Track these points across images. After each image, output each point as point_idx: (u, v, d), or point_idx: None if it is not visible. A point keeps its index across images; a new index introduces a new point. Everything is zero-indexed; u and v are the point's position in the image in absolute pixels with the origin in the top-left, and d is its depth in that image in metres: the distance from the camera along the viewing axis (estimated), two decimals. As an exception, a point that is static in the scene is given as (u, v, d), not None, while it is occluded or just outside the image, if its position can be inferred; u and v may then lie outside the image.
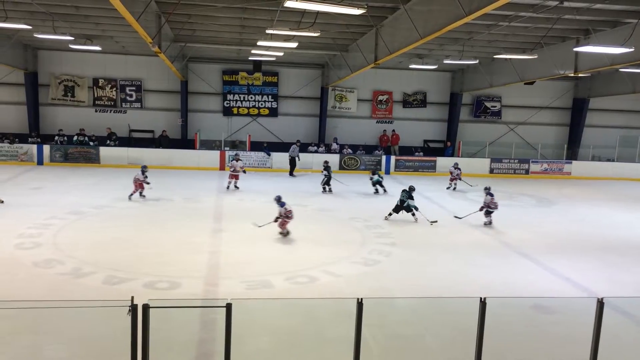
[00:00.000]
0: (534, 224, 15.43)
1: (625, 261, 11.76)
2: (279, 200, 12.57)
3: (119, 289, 8.71)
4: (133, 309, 4.65)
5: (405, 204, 14.87)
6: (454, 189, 20.69)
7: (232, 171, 18.98)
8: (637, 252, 12.62)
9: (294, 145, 23.11)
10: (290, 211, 12.38)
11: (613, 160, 26.97)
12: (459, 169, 20.71)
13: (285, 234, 12.54)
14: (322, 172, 19.46)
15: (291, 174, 22.90)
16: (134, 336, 4.73)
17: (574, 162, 26.18)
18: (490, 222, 14.61)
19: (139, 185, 16.20)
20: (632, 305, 8.51)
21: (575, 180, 24.91)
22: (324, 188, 19.06)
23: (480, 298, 5.06)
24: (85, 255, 10.49)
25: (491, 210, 14.57)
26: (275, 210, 12.50)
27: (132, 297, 4.68)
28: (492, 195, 14.64)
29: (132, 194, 16.12)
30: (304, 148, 25.18)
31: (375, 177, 19.19)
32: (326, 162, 19.66)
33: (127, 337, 4.87)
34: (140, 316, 4.69)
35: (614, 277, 10.58)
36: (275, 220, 12.41)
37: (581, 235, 14.22)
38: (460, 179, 20.74)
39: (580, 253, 12.29)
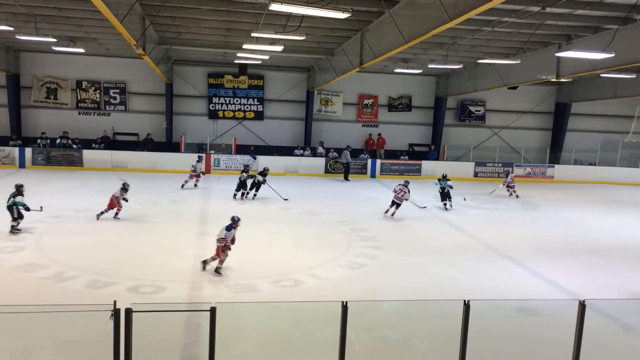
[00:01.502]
0: (518, 227, 15.57)
1: (609, 264, 11.89)
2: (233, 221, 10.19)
3: (103, 293, 8.61)
4: (116, 313, 4.60)
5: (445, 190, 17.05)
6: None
7: (193, 171, 19.38)
8: (621, 254, 12.77)
9: (345, 150, 24.05)
10: (233, 239, 10.03)
11: (595, 164, 27.31)
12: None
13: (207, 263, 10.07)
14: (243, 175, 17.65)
15: (346, 178, 23.53)
16: (116, 341, 4.68)
17: (556, 165, 26.51)
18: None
19: (114, 203, 13.91)
20: (615, 307, 8.61)
21: (558, 183, 25.20)
22: (244, 193, 17.58)
23: (464, 300, 5.09)
24: (69, 259, 10.37)
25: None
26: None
27: (115, 302, 4.63)
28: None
29: (103, 213, 13.79)
30: (289, 151, 25.22)
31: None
32: (265, 168, 18.38)
33: (110, 341, 4.82)
34: (123, 320, 4.63)
35: (598, 280, 10.70)
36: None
37: (565, 238, 14.37)
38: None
39: (564, 256, 12.41)
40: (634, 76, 20.31)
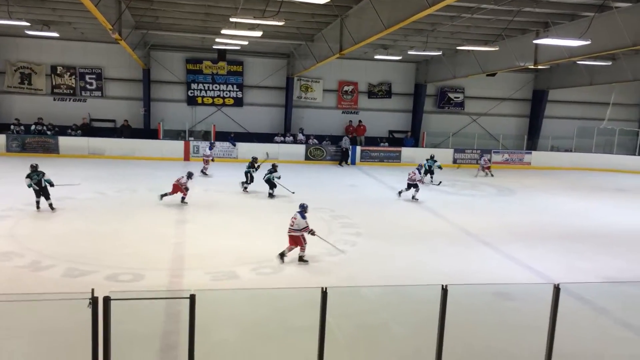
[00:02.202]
0: (496, 213, 15.77)
1: (584, 248, 12.13)
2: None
3: (80, 282, 8.52)
4: (94, 301, 4.55)
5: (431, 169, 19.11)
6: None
7: (206, 157, 20.03)
8: (595, 239, 13.03)
9: (345, 137, 24.83)
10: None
11: (571, 151, 27.77)
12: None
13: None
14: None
15: (341, 164, 24.39)
16: (94, 329, 4.64)
17: (533, 152, 26.87)
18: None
19: (178, 189, 14.56)
20: (589, 291, 8.80)
21: (535, 170, 25.57)
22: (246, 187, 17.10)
23: (442, 285, 5.15)
24: (45, 247, 10.23)
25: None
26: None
27: (93, 290, 4.58)
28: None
29: (166, 195, 14.51)
30: (270, 138, 25.11)
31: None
32: (254, 158, 17.50)
33: (88, 330, 4.78)
34: (101, 309, 4.60)
35: (573, 265, 10.91)
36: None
37: (541, 223, 14.60)
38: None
39: (540, 241, 12.62)
40: (609, 63, 20.61)
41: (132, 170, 19.55)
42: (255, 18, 12.81)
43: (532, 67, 18.56)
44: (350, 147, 24.86)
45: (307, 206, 10.43)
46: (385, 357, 6.76)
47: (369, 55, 24.26)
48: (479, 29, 17.76)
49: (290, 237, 10.14)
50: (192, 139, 24.25)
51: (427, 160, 20.38)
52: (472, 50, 20.02)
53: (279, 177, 16.45)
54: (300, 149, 24.71)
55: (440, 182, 19.64)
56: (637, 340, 6.95)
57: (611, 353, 7.16)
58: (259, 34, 15.22)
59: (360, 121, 27.03)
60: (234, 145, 23.86)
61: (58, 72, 24.51)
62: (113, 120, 24.92)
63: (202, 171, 19.70)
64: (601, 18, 13.63)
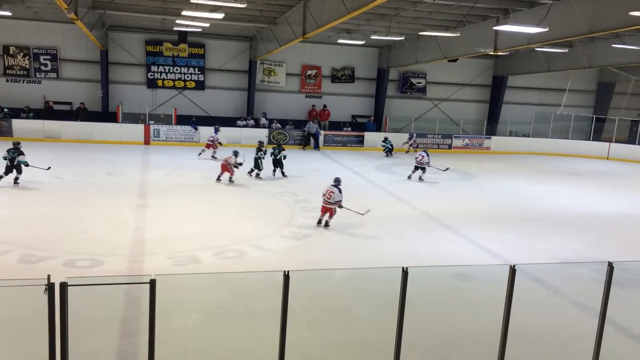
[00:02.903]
0: (456, 197, 16.07)
1: (540, 231, 12.51)
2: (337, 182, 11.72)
3: (37, 268, 8.30)
4: (50, 287, 4.44)
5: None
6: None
7: (210, 141, 20.06)
8: (551, 222, 13.45)
9: (310, 122, 24.91)
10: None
11: (528, 136, 28.46)
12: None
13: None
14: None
15: (305, 147, 24.67)
16: (51, 316, 4.53)
17: (492, 137, 27.41)
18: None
19: (226, 168, 15.61)
20: (543, 271, 9.09)
21: (494, 154, 26.13)
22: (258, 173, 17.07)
23: (403, 268, 5.23)
24: (-2, 233, 9.92)
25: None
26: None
27: (49, 275, 4.47)
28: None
29: (219, 177, 15.80)
30: (232, 122, 24.84)
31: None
32: (260, 142, 17.71)
33: (45, 317, 4.67)
34: (58, 295, 4.49)
35: (530, 246, 11.24)
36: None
37: (500, 207, 14.97)
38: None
39: (498, 224, 12.95)
40: (566, 50, 21.15)
41: (90, 155, 19.07)
42: (216, 0, 12.61)
43: (492, 53, 18.89)
44: (318, 131, 24.76)
45: (341, 180, 11.81)
46: (347, 338, 6.85)
47: (333, 40, 24.20)
48: (440, 15, 17.91)
49: (323, 207, 11.48)
50: (153, 122, 23.77)
51: (383, 141, 23.56)
52: (434, 36, 20.21)
53: (284, 157, 17.17)
54: (263, 133, 24.53)
55: (448, 168, 19.44)
56: (587, 318, 7.23)
57: (563, 330, 7.44)
58: (220, 16, 14.99)
59: (325, 106, 27.00)
60: (196, 129, 23.52)
61: (11, 52, 23.55)
62: (69, 103, 24.17)
63: (212, 156, 19.86)
64: (559, 5, 13.94)
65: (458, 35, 18.08)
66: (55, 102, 23.89)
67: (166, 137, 23.30)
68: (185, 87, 25.60)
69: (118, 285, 7.25)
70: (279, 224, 11.81)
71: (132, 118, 23.86)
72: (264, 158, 17.05)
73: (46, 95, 23.92)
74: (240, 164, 15.78)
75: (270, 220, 12.08)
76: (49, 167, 14.86)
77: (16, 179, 13.89)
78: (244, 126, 24.67)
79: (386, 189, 16.46)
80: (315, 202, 13.94)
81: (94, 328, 6.40)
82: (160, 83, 25.25)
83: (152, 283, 4.61)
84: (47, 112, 23.11)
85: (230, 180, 15.74)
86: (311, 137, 24.79)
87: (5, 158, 13.71)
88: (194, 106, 25.67)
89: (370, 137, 25.65)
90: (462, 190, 17.17)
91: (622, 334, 7.24)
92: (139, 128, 23.15)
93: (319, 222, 11.65)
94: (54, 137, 21.90)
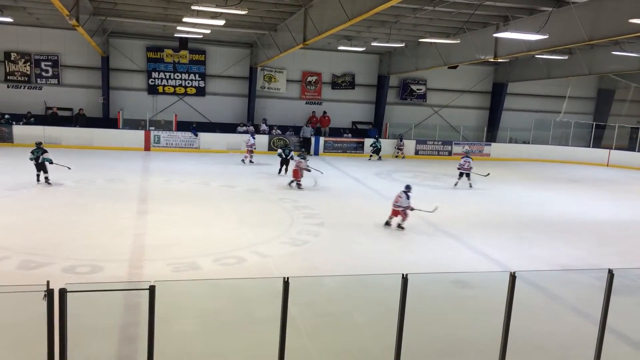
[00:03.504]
0: (456, 204, 16.05)
1: (540, 237, 12.49)
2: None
3: (36, 274, 8.29)
4: (49, 293, 4.43)
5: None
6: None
7: (249, 147, 20.75)
8: (551, 228, 13.43)
9: (304, 126, 25.31)
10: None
11: (528, 143, 28.48)
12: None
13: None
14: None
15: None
16: (50, 322, 4.52)
17: (492, 144, 27.45)
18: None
19: (298, 173, 16.21)
20: (543, 278, 9.08)
21: (494, 161, 26.11)
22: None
23: (403, 274, 5.22)
24: (-2, 239, 9.91)
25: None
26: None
27: (48, 282, 4.46)
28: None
29: (295, 182, 16.29)
30: (232, 128, 24.88)
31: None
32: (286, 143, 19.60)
33: (44, 324, 4.66)
34: (57, 301, 4.49)
35: (529, 253, 11.23)
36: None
37: (499, 213, 14.96)
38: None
39: (498, 230, 12.94)
40: (566, 57, 21.20)
41: (90, 161, 19.10)
42: (217, 6, 12.66)
43: (492, 60, 18.93)
44: (313, 137, 24.77)
45: (411, 187, 12.38)
46: (346, 345, 6.83)
47: (333, 46, 24.27)
48: (441, 22, 17.97)
49: (394, 210, 12.21)
50: (153, 128, 23.80)
51: (374, 140, 24.11)
52: (434, 43, 20.27)
53: (292, 158, 17.77)
54: (264, 139, 24.57)
55: (489, 173, 19.32)
56: (588, 325, 7.21)
57: (564, 337, 7.41)
58: (221, 22, 15.02)
59: (324, 112, 27.04)
60: (196, 135, 23.57)
61: (12, 58, 23.63)
62: (70, 109, 24.23)
63: (250, 161, 20.63)
64: (559, 13, 13.98)
65: (458, 42, 18.13)
66: (57, 108, 23.91)
67: (166, 143, 23.33)
68: (185, 94, 25.67)
69: (117, 291, 7.26)
70: (278, 230, 11.80)
71: (133, 124, 23.91)
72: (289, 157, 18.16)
73: (47, 101, 23.97)
74: (309, 170, 16.52)
75: (270, 226, 12.07)
76: (70, 168, 15.71)
77: (46, 178, 14.72)
78: (244, 132, 24.68)
79: (385, 195, 16.41)
80: (316, 208, 13.96)
81: (93, 334, 6.38)
82: (160, 89, 25.32)
83: (152, 289, 4.61)
84: (52, 118, 23.14)
85: (299, 186, 16.23)
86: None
87: (31, 159, 14.65)
88: (195, 112, 25.72)
89: (370, 143, 25.63)
90: (462, 197, 17.16)
91: (622, 341, 7.21)
92: (140, 134, 23.18)
93: (387, 223, 12.36)
94: (55, 142, 21.91)
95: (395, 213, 12.29)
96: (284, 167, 18.33)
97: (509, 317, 5.53)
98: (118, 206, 13.05)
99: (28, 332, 6.09)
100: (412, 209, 12.21)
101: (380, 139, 24.64)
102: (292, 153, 18.02)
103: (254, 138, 21.37)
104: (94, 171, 17.20)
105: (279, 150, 18.51)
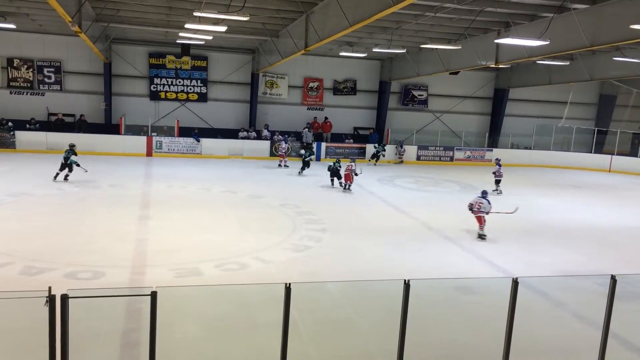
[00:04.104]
0: (457, 209, 16.00)
1: (542, 243, 12.46)
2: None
3: (38, 280, 8.30)
4: (51, 299, 4.44)
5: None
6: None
7: (281, 151, 22.33)
8: (553, 234, 13.41)
9: (305, 130, 25.47)
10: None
11: (530, 148, 28.46)
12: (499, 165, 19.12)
13: None
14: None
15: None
16: (52, 328, 4.53)
17: (494, 149, 27.44)
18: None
19: (350, 177, 17.27)
20: (546, 284, 9.06)
21: (495, 167, 26.02)
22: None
23: (405, 280, 5.22)
24: (1, 244, 9.91)
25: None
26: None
27: (50, 287, 4.47)
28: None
29: (347, 184, 17.42)
30: (234, 134, 24.91)
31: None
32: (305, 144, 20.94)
33: (46, 329, 4.67)
34: (58, 307, 4.49)
35: (531, 258, 11.19)
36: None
37: (501, 219, 14.88)
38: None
39: (499, 236, 12.89)
40: (567, 63, 21.21)
41: (92, 166, 19.06)
42: (219, 13, 12.70)
43: (494, 66, 18.96)
44: (314, 142, 24.74)
45: (487, 191, 13.05)
46: (348, 350, 6.82)
47: (334, 52, 24.32)
48: (442, 28, 18.01)
49: (478, 217, 12.49)
50: (155, 134, 23.86)
51: (377, 145, 24.66)
52: (436, 49, 20.30)
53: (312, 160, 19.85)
54: (265, 145, 24.61)
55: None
56: (590, 331, 7.18)
57: (566, 343, 7.39)
58: (223, 29, 15.07)
59: (326, 118, 27.08)
60: (198, 141, 23.61)
61: (15, 64, 23.73)
62: (72, 115, 24.31)
63: (284, 165, 21.94)
64: (560, 19, 14.01)
65: (459, 48, 18.14)
66: (56, 114, 23.97)
67: (168, 149, 23.37)
68: (187, 99, 25.73)
69: (119, 297, 7.25)
70: (280, 236, 11.79)
71: (135, 130, 23.98)
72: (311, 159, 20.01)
73: (49, 108, 24.04)
74: (356, 174, 17.36)
75: (272, 232, 12.06)
76: (86, 170, 16.47)
77: (66, 176, 16.08)
78: (245, 138, 24.73)
79: (387, 200, 16.45)
80: (318, 214, 13.95)
81: (95, 340, 6.38)
82: (163, 95, 25.39)
83: (153, 295, 4.61)
84: (57, 124, 23.20)
85: (349, 189, 17.29)
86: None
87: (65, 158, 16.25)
88: (197, 118, 25.78)
89: (372, 149, 25.67)
90: (464, 202, 17.08)
91: (625, 347, 7.19)
92: (142, 140, 23.22)
93: (479, 236, 12.47)
94: (57, 148, 21.94)
95: (480, 220, 12.54)
96: (306, 168, 20.17)
97: (511, 322, 5.52)
98: (120, 212, 13.07)
99: (30, 337, 6.09)
100: (488, 212, 12.47)
101: (384, 145, 25.17)
102: (312, 156, 19.45)
103: (286, 143, 22.84)
104: (95, 177, 17.21)
105: (301, 151, 20.12)
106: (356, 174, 17.47)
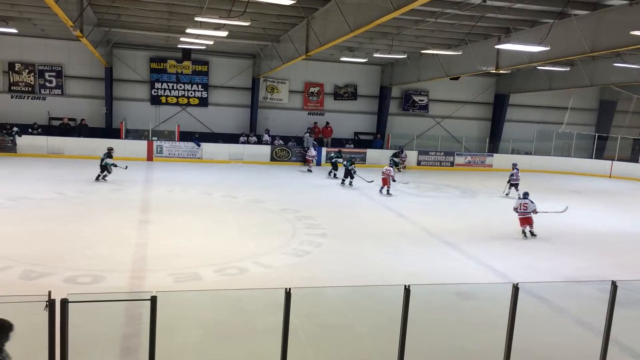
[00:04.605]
0: (458, 214, 16.03)
1: (542, 248, 12.43)
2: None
3: (38, 284, 8.28)
4: (50, 304, 4.43)
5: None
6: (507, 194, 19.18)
7: (309, 156, 23.33)
8: (553, 240, 13.35)
9: (306, 135, 25.43)
10: None
11: (530, 154, 28.46)
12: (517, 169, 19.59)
13: None
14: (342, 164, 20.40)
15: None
16: (51, 333, 4.52)
17: (495, 155, 27.45)
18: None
19: (387, 181, 17.91)
20: (546, 290, 9.03)
21: (496, 172, 26.06)
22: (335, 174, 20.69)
23: (405, 285, 5.20)
24: (0, 248, 9.90)
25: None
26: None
27: (50, 292, 4.46)
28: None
29: (385, 188, 17.95)
30: (235, 139, 24.92)
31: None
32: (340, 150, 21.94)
33: (45, 334, 4.65)
34: (58, 311, 4.48)
35: (532, 264, 11.17)
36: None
37: (502, 224, 14.90)
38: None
39: (501, 241, 12.88)
40: (567, 69, 21.25)
41: (92, 170, 19.11)
42: (220, 18, 12.73)
43: (494, 71, 19.00)
44: (315, 147, 24.80)
45: (528, 193, 13.61)
46: (348, 356, 6.80)
47: (335, 57, 24.38)
48: (443, 34, 18.05)
49: (521, 219, 13.17)
50: (156, 138, 23.88)
51: (395, 154, 24.01)
52: (436, 54, 20.34)
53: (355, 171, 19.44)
54: (266, 149, 24.63)
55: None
56: (591, 337, 7.16)
57: (567, 349, 7.36)
58: (224, 34, 15.12)
59: (327, 123, 27.10)
60: (199, 145, 23.63)
61: (16, 69, 23.79)
62: (74, 119, 24.34)
63: (308, 170, 22.71)
64: (560, 25, 14.04)
65: (460, 53, 18.21)
66: (58, 119, 24.02)
67: (169, 154, 23.40)
68: (188, 104, 25.77)
69: (119, 301, 7.24)
70: (280, 241, 11.78)
71: (136, 134, 24.00)
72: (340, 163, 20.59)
73: (50, 112, 24.08)
74: (394, 180, 18.13)
75: (272, 237, 12.05)
76: (126, 167, 17.88)
77: (102, 176, 17.32)
78: (245, 142, 24.74)
79: (387, 205, 16.44)
80: (319, 219, 13.94)
81: (95, 345, 6.36)
82: (163, 100, 25.43)
83: (153, 300, 4.60)
84: (62, 128, 23.22)
85: (388, 193, 17.77)
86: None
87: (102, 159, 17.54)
88: (197, 123, 25.81)
89: (373, 154, 25.70)
90: (464, 207, 17.14)
91: (626, 353, 7.16)
92: (142, 144, 23.25)
93: (524, 232, 13.17)
94: (57, 153, 22.00)
95: (524, 221, 13.15)
96: (335, 171, 21.08)
97: (511, 328, 5.50)
98: (120, 216, 13.06)
99: (29, 342, 6.07)
100: (536, 212, 13.09)
101: (402, 149, 25.46)
102: (354, 167, 19.88)
103: (315, 150, 23.69)
104: (96, 181, 17.22)
105: (332, 154, 21.31)
106: (394, 180, 18.09)
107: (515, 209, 13.35)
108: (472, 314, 8.29)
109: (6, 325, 4.58)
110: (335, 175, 20.82)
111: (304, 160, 24.24)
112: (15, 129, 22.25)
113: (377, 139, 27.30)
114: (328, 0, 13.80)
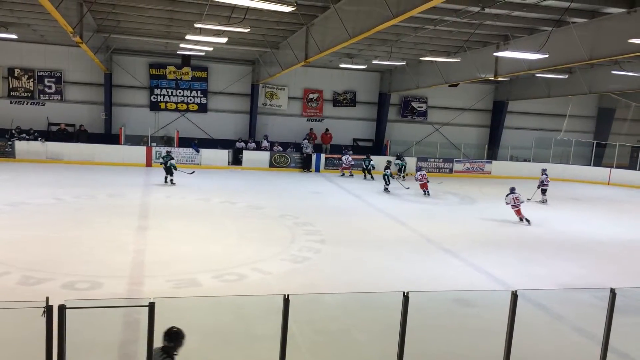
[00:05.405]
0: (457, 221, 16.03)
1: (541, 256, 12.43)
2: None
3: (36, 290, 8.26)
4: (48, 309, 4.41)
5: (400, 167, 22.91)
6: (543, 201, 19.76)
7: (345, 163, 24.01)
8: (552, 246, 13.39)
9: (305, 141, 25.81)
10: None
11: (529, 161, 28.49)
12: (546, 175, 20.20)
13: None
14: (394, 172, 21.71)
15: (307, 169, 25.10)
16: (49, 339, 4.49)
17: (493, 161, 27.47)
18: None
19: (425, 185, 19.38)
20: (545, 297, 9.03)
21: (495, 179, 26.11)
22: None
23: (404, 292, 5.19)
24: (-2, 255, 9.89)
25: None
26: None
27: (47, 298, 4.44)
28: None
29: (426, 191, 19.52)
30: (233, 145, 24.94)
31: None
32: (388, 161, 22.44)
33: (42, 340, 4.64)
34: (56, 317, 4.46)
35: (530, 271, 11.17)
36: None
37: (501, 231, 14.93)
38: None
39: (498, 248, 12.89)
40: (566, 76, 21.31)
41: (91, 176, 19.14)
42: (220, 24, 12.77)
43: (493, 78, 19.05)
44: (313, 153, 24.80)
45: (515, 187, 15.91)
46: (347, 364, 6.78)
47: (334, 64, 24.43)
48: (441, 41, 18.11)
49: (517, 210, 15.70)
50: (155, 144, 23.88)
51: (397, 157, 24.84)
52: (435, 61, 20.40)
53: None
54: (265, 155, 24.64)
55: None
56: (590, 344, 7.15)
57: (566, 357, 7.35)
58: (224, 40, 15.16)
59: (327, 129, 27.13)
60: (198, 151, 23.63)
61: (15, 74, 23.81)
62: (72, 125, 24.34)
63: (350, 174, 23.92)
64: (559, 32, 14.09)
65: (459, 60, 18.26)
66: (58, 124, 24.00)
67: (168, 160, 23.34)
68: (187, 110, 25.79)
69: (117, 307, 7.22)
70: (279, 247, 11.77)
71: (135, 140, 24.01)
72: (391, 176, 20.75)
73: (50, 118, 24.08)
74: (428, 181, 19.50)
75: (271, 243, 12.04)
76: (193, 172, 19.01)
77: (171, 180, 18.16)
78: (244, 148, 24.74)
79: (386, 211, 16.44)
80: (317, 225, 13.93)
81: (92, 351, 6.34)
82: (163, 106, 25.45)
83: (151, 306, 4.59)
84: (59, 134, 23.22)
85: (428, 194, 19.41)
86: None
87: (161, 163, 18.43)
88: (196, 129, 25.82)
89: (376, 160, 25.66)
90: (463, 214, 17.14)
91: (625, 361, 7.15)
92: (141, 150, 23.24)
93: (522, 219, 15.65)
94: (56, 158, 21.99)
95: (519, 212, 15.59)
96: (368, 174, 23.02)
97: (510, 336, 5.49)
98: (118, 222, 13.04)
99: (27, 348, 6.05)
100: (529, 200, 15.96)
101: (401, 156, 25.37)
102: (372, 163, 22.56)
103: (351, 157, 24.16)
104: (94, 187, 17.21)
105: (387, 171, 21.26)
106: (428, 182, 19.57)
107: (508, 204, 15.71)
108: (471, 321, 8.28)
109: (181, 333, 5.02)
110: (387, 189, 20.37)
111: (304, 167, 24.50)
112: (23, 134, 22.29)
113: (384, 146, 27.38)
114: (327, 8, 13.84)
